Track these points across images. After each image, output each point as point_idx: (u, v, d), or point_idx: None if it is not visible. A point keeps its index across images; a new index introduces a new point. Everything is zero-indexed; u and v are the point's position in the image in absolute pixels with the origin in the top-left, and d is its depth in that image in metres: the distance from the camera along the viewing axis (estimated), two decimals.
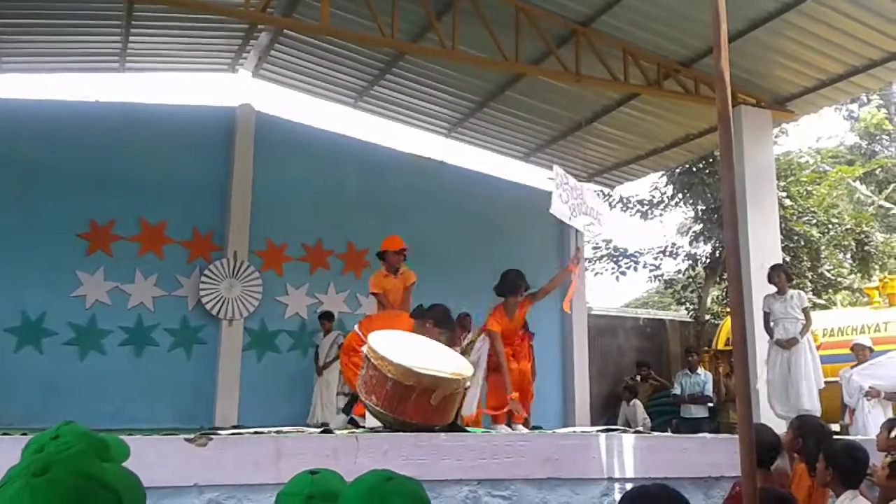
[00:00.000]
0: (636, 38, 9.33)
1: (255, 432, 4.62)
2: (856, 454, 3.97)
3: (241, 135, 10.63)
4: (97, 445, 1.95)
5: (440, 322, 6.32)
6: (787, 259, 13.72)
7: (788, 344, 7.80)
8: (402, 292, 7.24)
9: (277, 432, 4.64)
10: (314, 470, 1.85)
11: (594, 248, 17.18)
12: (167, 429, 6.17)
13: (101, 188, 9.72)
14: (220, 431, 4.74)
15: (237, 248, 10.25)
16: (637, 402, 11.44)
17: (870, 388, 8.36)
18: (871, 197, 17.28)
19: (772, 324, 8.05)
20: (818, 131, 36.95)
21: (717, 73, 3.02)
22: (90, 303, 9.62)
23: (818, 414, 7.11)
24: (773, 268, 8.19)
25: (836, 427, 8.27)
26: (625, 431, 5.78)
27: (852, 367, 8.77)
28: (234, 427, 6.64)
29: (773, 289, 8.07)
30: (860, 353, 8.85)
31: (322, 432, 4.93)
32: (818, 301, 15.19)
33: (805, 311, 8.08)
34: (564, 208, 6.68)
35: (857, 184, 17.66)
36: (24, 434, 4.38)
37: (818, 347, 8.25)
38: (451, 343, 6.79)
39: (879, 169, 20.29)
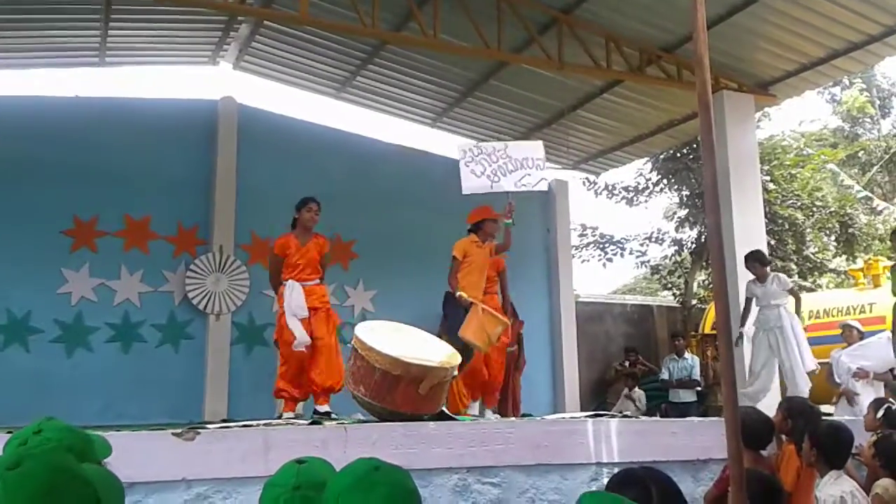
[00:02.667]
0: (618, 25, 9.33)
1: (244, 425, 4.61)
2: (839, 434, 4.01)
3: (223, 128, 10.55)
4: (79, 441, 1.95)
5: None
6: (772, 242, 13.81)
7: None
8: (486, 261, 7.34)
9: (266, 425, 4.64)
10: (301, 459, 1.84)
11: (580, 235, 17.24)
12: (156, 424, 6.14)
13: (83, 184, 9.64)
14: (208, 426, 4.73)
15: (223, 242, 10.19)
16: (638, 390, 11.47)
17: (857, 369, 8.42)
18: (851, 184, 17.39)
19: (756, 309, 8.08)
20: (801, 115, 37.17)
21: (697, 58, 3.03)
22: (76, 300, 9.56)
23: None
24: (747, 258, 8.19)
25: (830, 409, 8.32)
26: (612, 416, 5.81)
27: (842, 349, 8.84)
28: (224, 421, 6.61)
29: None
30: (848, 335, 8.92)
31: (311, 423, 4.94)
32: (804, 283, 15.30)
33: (791, 291, 8.12)
34: (481, 181, 6.76)
35: (838, 169, 17.76)
36: (10, 432, 4.36)
37: (805, 330, 8.28)
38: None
39: (862, 151, 20.44)
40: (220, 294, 10.02)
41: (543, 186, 7.50)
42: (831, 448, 3.93)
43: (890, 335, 7.32)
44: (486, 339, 6.65)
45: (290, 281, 6.50)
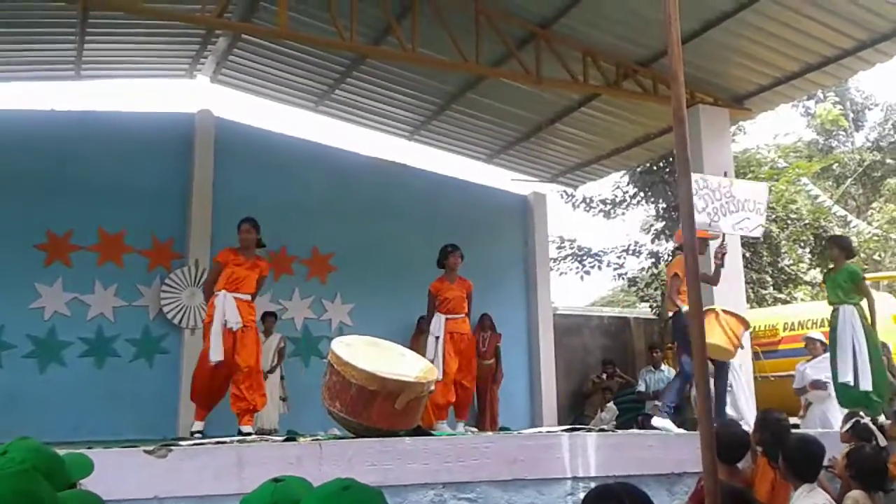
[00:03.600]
0: (595, 40, 9.40)
1: (218, 442, 4.56)
2: (808, 447, 4.03)
3: (200, 141, 10.50)
4: (49, 462, 1.91)
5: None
6: (748, 255, 13.91)
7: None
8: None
9: (240, 441, 4.60)
10: (279, 478, 1.83)
11: (558, 247, 17.29)
12: (130, 441, 6.07)
13: (57, 197, 9.55)
14: (181, 442, 4.68)
15: (198, 256, 10.12)
16: (611, 405, 11.48)
17: (814, 380, 8.49)
18: (822, 198, 17.60)
19: None
20: (776, 128, 37.58)
21: (672, 73, 3.06)
22: (49, 314, 9.45)
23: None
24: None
25: (796, 421, 8.37)
26: (589, 430, 5.82)
27: (807, 362, 8.92)
28: (198, 436, 6.55)
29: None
30: (812, 347, 9.01)
31: (286, 440, 4.89)
32: (779, 296, 15.42)
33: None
34: (702, 216, 6.70)
35: (811, 185, 17.96)
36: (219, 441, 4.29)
37: (778, 342, 8.34)
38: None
39: (836, 164, 20.69)
40: (196, 308, 9.93)
41: (759, 233, 7.44)
42: (801, 461, 3.95)
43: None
44: (734, 340, 6.73)
45: (222, 292, 6.54)
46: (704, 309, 6.80)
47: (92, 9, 8.25)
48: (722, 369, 6.89)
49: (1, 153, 9.37)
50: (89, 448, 4.52)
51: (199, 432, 6.41)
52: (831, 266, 7.64)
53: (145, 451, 4.01)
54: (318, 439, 4.78)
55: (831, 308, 7.33)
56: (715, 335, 6.50)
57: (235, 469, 4.04)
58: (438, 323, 7.58)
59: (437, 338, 7.49)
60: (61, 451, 2.02)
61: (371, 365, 5.03)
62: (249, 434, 6.29)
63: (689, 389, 7.38)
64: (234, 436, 5.86)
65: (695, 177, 7.23)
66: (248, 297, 6.73)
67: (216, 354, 6.32)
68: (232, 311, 6.45)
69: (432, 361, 7.01)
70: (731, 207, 6.95)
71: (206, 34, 10.37)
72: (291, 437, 5.15)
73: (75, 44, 10.00)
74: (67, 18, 9.42)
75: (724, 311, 6.85)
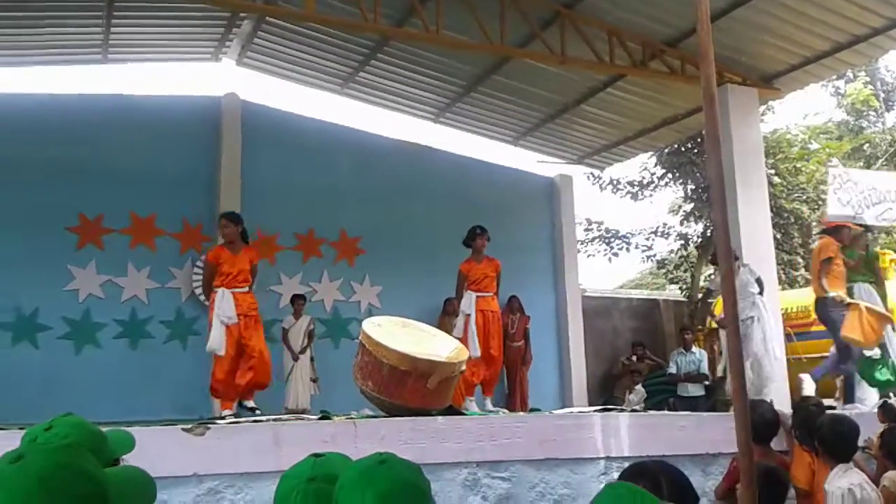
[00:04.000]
0: (621, 19, 9.32)
1: (254, 421, 4.63)
2: (839, 428, 4.01)
3: (227, 124, 10.57)
4: (93, 438, 1.95)
5: None
6: (778, 236, 13.80)
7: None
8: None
9: (276, 420, 4.66)
10: (319, 453, 1.86)
11: (586, 230, 17.24)
12: (165, 420, 6.16)
13: (88, 181, 9.65)
14: (218, 421, 4.75)
15: None
16: (638, 388, 11.46)
17: None
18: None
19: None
20: (805, 108, 37.02)
21: (702, 52, 3.03)
22: (83, 297, 9.58)
23: (765, 391, 7.18)
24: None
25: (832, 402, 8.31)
26: (621, 411, 5.82)
27: None
28: (233, 416, 6.64)
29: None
30: None
31: (320, 418, 4.95)
32: (810, 277, 15.28)
33: (758, 280, 7.97)
34: (846, 209, 6.94)
35: (840, 163, 17.72)
36: (22, 429, 4.37)
37: (811, 323, 8.27)
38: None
39: (867, 144, 20.37)
40: None
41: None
42: (833, 441, 3.94)
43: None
44: (871, 336, 6.98)
45: (221, 289, 6.79)
46: (848, 303, 6.97)
47: None
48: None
49: (32, 138, 9.48)
50: (128, 426, 4.60)
51: (233, 414, 6.56)
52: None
53: (184, 430, 4.08)
54: (351, 418, 4.83)
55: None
56: (854, 330, 6.88)
57: (272, 447, 4.09)
58: (469, 300, 7.71)
59: (469, 315, 7.62)
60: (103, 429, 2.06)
61: (402, 345, 5.07)
62: (254, 409, 6.64)
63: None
64: (270, 415, 5.93)
65: (835, 171, 7.34)
66: (246, 289, 6.97)
67: (219, 349, 6.62)
68: (228, 307, 6.72)
69: (461, 338, 7.17)
70: (873, 199, 7.10)
71: (231, 17, 10.41)
72: (325, 416, 5.21)
73: (102, 28, 10.08)
74: (94, 2, 9.49)
75: (868, 307, 7.05)
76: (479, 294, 7.76)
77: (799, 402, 5.03)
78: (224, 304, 6.71)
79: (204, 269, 7.01)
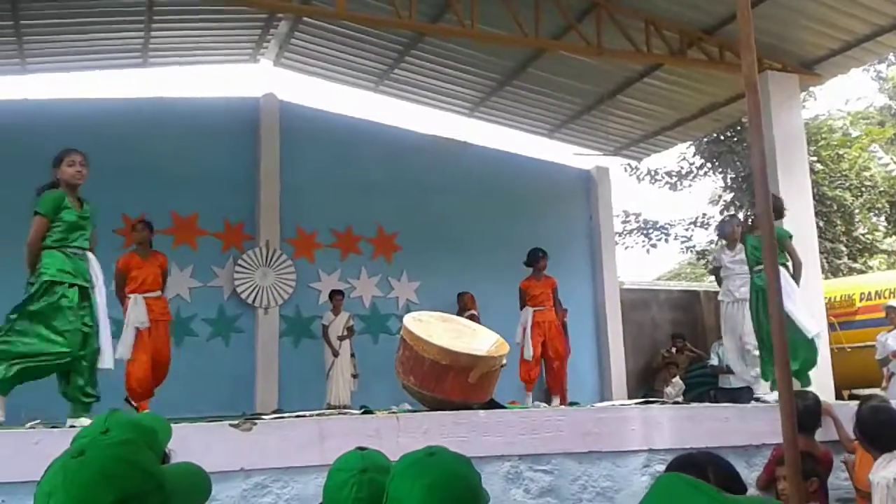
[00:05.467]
0: (658, 7, 9.22)
1: (298, 416, 4.69)
2: (880, 417, 3.95)
3: (265, 124, 10.69)
4: (145, 434, 2.00)
5: None
6: (821, 224, 13.59)
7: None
8: None
9: (319, 415, 4.71)
10: (363, 447, 1.89)
11: (623, 221, 17.12)
12: (209, 416, 6.27)
13: (131, 183, 9.81)
14: (263, 417, 4.82)
15: (269, 237, 10.35)
16: (676, 380, 11.38)
17: None
18: (894, 166, 17.00)
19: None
20: (846, 93, 36.29)
21: (743, 38, 3.00)
22: None
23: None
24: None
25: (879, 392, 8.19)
26: (662, 403, 5.79)
27: (888, 332, 8.70)
28: (276, 412, 6.74)
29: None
30: (893, 316, 8.79)
31: (363, 413, 5.00)
32: (854, 265, 15.02)
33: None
34: None
35: (881, 153, 17.38)
36: (73, 427, 4.49)
37: (855, 312, 8.15)
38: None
39: None
40: (268, 288, 10.17)
41: None
42: (874, 431, 3.88)
43: None
44: None
45: (133, 295, 7.00)
46: None
47: None
48: None
49: (73, 142, 9.61)
50: (175, 423, 4.68)
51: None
52: None
53: (231, 426, 4.14)
54: (394, 412, 4.87)
55: None
56: None
57: (317, 441, 4.15)
58: (526, 315, 8.91)
59: (525, 328, 8.84)
60: None
61: (443, 340, 5.10)
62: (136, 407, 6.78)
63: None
64: (313, 410, 5.99)
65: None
66: (158, 294, 7.17)
67: (125, 354, 6.76)
68: (139, 313, 6.93)
69: (521, 346, 8.68)
70: None
71: (268, 18, 10.52)
72: (367, 411, 5.26)
73: (143, 32, 10.24)
74: (134, 7, 9.65)
75: None
76: (536, 308, 8.94)
77: (861, 401, 4.95)
78: (137, 310, 6.94)
79: (115, 276, 7.12)
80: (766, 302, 6.29)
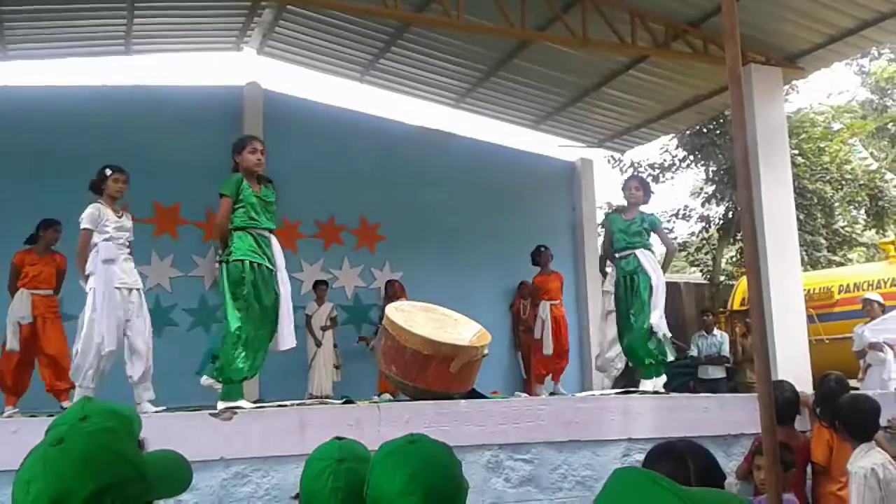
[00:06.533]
0: (643, 0, 9.24)
1: (279, 405, 4.68)
2: (859, 407, 4.01)
3: (249, 113, 10.63)
4: (124, 421, 1.99)
5: None
6: (801, 217, 13.68)
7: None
8: None
9: (300, 405, 4.71)
10: (341, 437, 1.90)
11: (606, 213, 17.17)
12: (190, 406, 6.25)
13: None
14: (243, 406, 4.81)
15: None
16: None
17: (873, 342, 8.41)
18: (867, 158, 17.14)
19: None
20: (829, 87, 36.54)
21: (728, 31, 3.00)
22: None
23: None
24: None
25: (855, 383, 8.28)
26: (643, 393, 5.83)
27: (865, 324, 8.80)
28: (257, 402, 6.72)
29: None
30: (869, 309, 8.89)
31: (344, 403, 5.00)
32: (833, 258, 15.15)
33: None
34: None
35: (860, 147, 17.50)
36: (51, 416, 4.46)
37: (833, 304, 8.24)
38: None
39: (892, 123, 20.11)
40: None
41: None
42: (854, 421, 3.93)
43: None
44: None
45: (21, 290, 7.08)
46: None
47: None
48: None
49: (55, 130, 9.58)
50: (156, 412, 4.67)
51: (13, 415, 6.56)
52: None
53: (211, 415, 4.14)
54: (375, 402, 4.88)
55: None
56: None
57: (298, 431, 4.15)
58: (545, 308, 9.63)
59: (544, 320, 9.55)
60: None
61: (425, 330, 5.10)
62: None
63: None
64: (294, 401, 5.99)
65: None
66: (49, 292, 7.21)
67: (14, 346, 6.88)
68: (23, 307, 6.98)
69: (540, 338, 9.56)
70: None
71: (251, 6, 10.44)
72: (349, 401, 5.26)
73: (125, 19, 10.14)
74: None
75: None
76: (552, 302, 9.59)
77: (820, 378, 5.01)
78: (21, 304, 7.00)
79: (10, 271, 7.24)
80: (633, 287, 6.41)
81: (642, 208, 6.69)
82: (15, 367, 7.00)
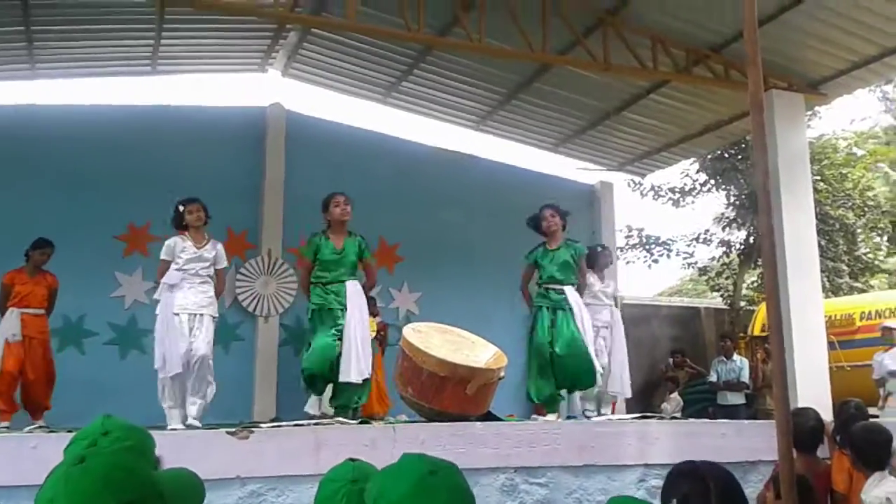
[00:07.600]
0: (665, 25, 9.26)
1: (295, 425, 4.70)
2: (872, 436, 3.97)
3: (272, 134, 10.73)
4: (143, 440, 2.02)
5: None
6: (823, 243, 13.59)
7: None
8: None
9: (316, 424, 4.72)
10: (354, 458, 1.91)
11: (626, 236, 17.13)
12: (208, 424, 6.27)
13: (136, 190, 9.85)
14: (260, 425, 4.83)
15: (271, 246, 10.36)
16: (674, 396, 11.38)
17: (893, 370, 8.31)
18: None
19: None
20: (851, 113, 36.34)
21: (750, 56, 3.01)
22: (129, 303, 9.78)
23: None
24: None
25: (875, 411, 8.17)
26: (661, 418, 5.79)
27: (885, 351, 8.71)
28: (273, 421, 6.74)
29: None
30: (889, 337, 8.80)
31: (360, 423, 5.00)
32: (855, 284, 15.00)
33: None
34: None
35: (888, 168, 17.36)
36: (70, 432, 4.50)
37: (855, 331, 8.16)
38: None
39: None
40: (269, 296, 10.19)
41: None
42: (866, 449, 3.90)
43: None
44: None
45: (11, 309, 7.20)
46: None
47: (168, 5, 8.46)
48: None
49: (82, 148, 9.72)
50: (173, 430, 4.69)
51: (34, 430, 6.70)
52: None
53: (228, 433, 4.16)
54: (391, 423, 4.88)
55: None
56: None
57: (313, 450, 4.16)
58: None
59: None
60: None
61: (441, 351, 5.11)
62: (41, 427, 6.88)
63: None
64: (310, 420, 6.00)
65: None
66: (40, 312, 7.38)
67: None
68: (12, 326, 7.12)
69: None
70: None
71: (277, 28, 10.57)
72: (364, 421, 5.26)
73: (152, 40, 10.30)
74: (145, 15, 9.71)
75: None
76: None
77: (840, 404, 4.96)
78: (10, 323, 7.13)
79: (1, 290, 7.37)
80: (564, 319, 6.65)
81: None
82: (7, 384, 7.12)
